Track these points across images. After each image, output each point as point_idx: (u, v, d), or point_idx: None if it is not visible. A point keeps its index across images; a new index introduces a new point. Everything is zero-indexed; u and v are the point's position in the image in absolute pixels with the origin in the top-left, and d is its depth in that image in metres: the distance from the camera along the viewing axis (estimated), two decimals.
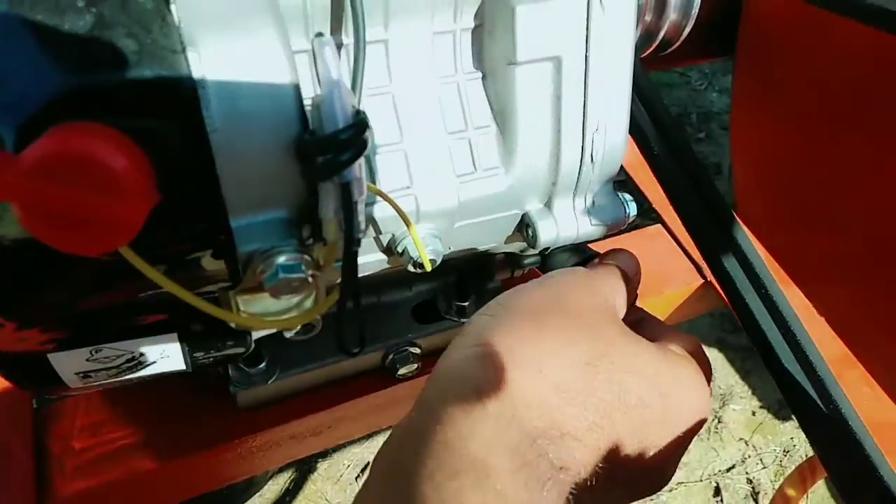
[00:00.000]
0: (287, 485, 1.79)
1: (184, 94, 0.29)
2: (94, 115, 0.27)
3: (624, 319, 0.45)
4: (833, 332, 0.75)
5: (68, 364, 0.41)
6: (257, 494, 1.73)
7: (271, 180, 0.31)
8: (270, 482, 1.77)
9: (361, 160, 0.30)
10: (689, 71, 2.71)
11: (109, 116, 0.27)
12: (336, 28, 0.43)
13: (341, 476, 1.81)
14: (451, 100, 0.49)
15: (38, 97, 0.28)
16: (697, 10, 0.65)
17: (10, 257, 0.32)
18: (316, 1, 0.41)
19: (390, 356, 0.65)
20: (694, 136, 2.54)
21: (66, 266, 0.33)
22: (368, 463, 1.81)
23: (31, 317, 0.37)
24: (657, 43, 0.65)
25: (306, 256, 0.32)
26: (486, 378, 0.33)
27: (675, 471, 0.41)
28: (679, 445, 0.38)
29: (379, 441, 1.89)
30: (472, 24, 0.47)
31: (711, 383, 0.45)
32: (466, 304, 0.67)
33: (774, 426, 1.87)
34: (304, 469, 1.83)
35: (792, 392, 0.56)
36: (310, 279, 0.32)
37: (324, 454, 1.83)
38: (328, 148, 0.30)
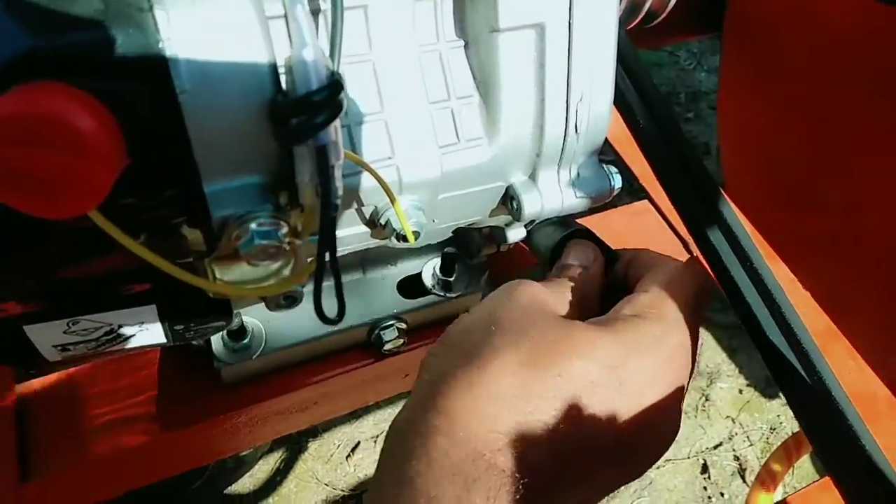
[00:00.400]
0: (277, 464, 1.80)
1: (151, 53, 0.28)
2: (57, 75, 0.26)
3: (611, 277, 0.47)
4: (818, 305, 0.76)
5: (45, 336, 0.41)
6: (248, 474, 1.74)
7: (245, 144, 0.31)
8: (261, 462, 1.77)
9: (337, 123, 0.30)
10: (677, 50, 2.70)
11: (74, 77, 0.26)
12: None
13: (332, 455, 1.81)
14: (433, 69, 0.48)
15: None
16: None
17: None
18: None
19: (376, 331, 0.65)
20: (683, 115, 2.53)
21: (39, 233, 0.33)
22: (359, 442, 1.82)
23: (6, 287, 0.37)
24: (642, 15, 0.65)
25: (283, 222, 0.31)
26: (431, 420, 0.34)
27: (671, 433, 0.41)
28: (657, 409, 0.38)
29: (368, 420, 1.89)
30: None
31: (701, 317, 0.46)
32: (452, 279, 0.67)
33: (761, 404, 1.89)
34: (294, 448, 1.83)
35: (777, 364, 0.56)
36: (286, 246, 0.32)
37: (314, 434, 1.83)
38: (302, 110, 0.29)
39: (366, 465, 1.82)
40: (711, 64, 2.72)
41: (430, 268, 0.67)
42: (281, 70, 0.32)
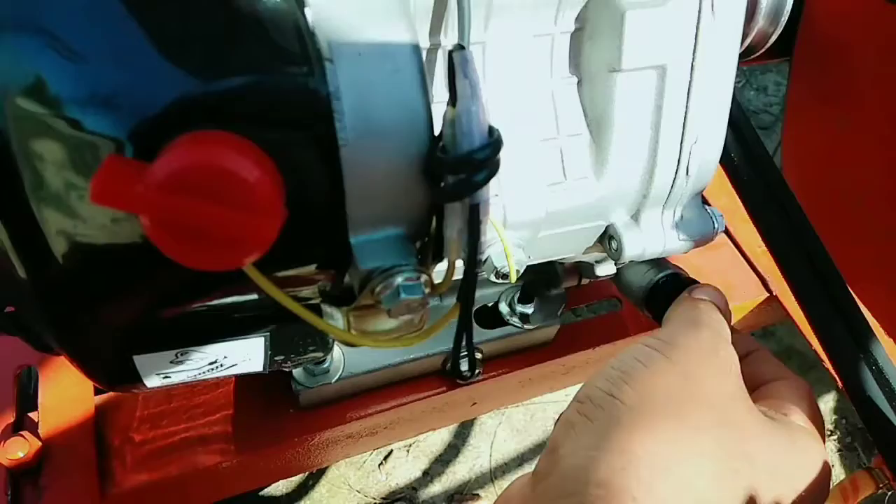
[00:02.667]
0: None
1: (318, 104, 0.27)
2: (221, 122, 0.26)
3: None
4: None
5: (152, 365, 0.40)
6: None
7: (394, 196, 0.30)
8: None
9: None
10: None
11: (239, 125, 0.26)
12: (436, 28, 0.41)
13: (364, 463, 1.81)
14: (544, 105, 0.47)
15: (158, 102, 0.27)
16: (786, 19, 0.63)
17: (105, 261, 0.31)
18: (418, 1, 0.39)
19: (451, 360, 0.64)
20: None
21: (163, 272, 0.32)
22: (391, 451, 1.81)
23: (120, 318, 0.36)
24: (742, 49, 0.63)
25: (424, 276, 0.30)
26: (627, 488, 0.30)
27: None
28: None
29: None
30: (572, 28, 0.45)
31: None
32: (530, 310, 0.65)
33: None
34: None
35: (876, 421, 0.55)
36: (427, 299, 0.31)
37: None
38: (462, 168, 0.28)
39: (398, 473, 1.82)
40: (760, 83, 2.68)
41: (507, 298, 0.66)
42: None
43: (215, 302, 0.35)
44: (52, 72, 0.27)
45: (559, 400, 1.69)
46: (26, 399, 0.60)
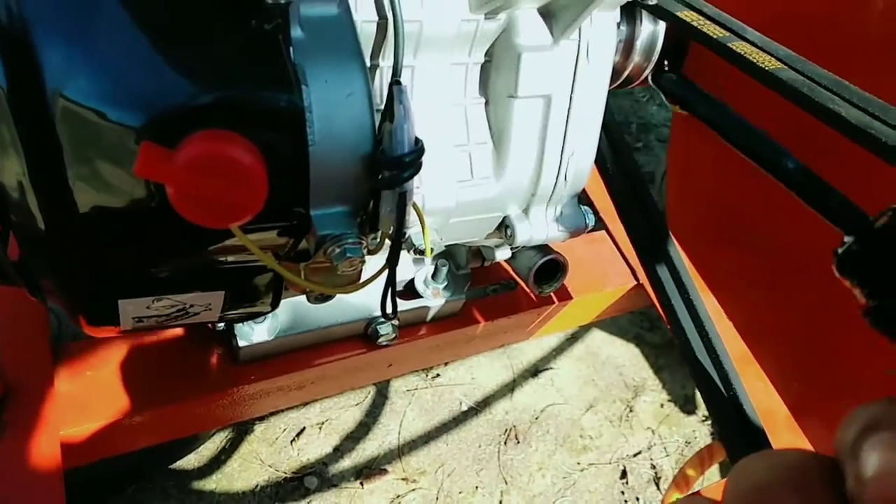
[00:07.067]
0: (223, 444, 1.84)
1: (296, 115, 0.38)
2: (227, 124, 0.36)
3: None
4: (738, 334, 0.90)
5: (132, 309, 0.49)
6: (194, 451, 1.78)
7: (346, 183, 0.41)
8: (207, 441, 1.81)
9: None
10: None
11: (239, 126, 0.36)
12: (376, 52, 0.53)
13: (277, 439, 1.87)
14: (458, 119, 0.59)
15: (178, 105, 0.37)
16: (658, 57, 0.78)
17: (118, 218, 0.41)
18: (363, 31, 0.50)
19: (373, 326, 0.75)
20: (632, 145, 2.70)
21: (164, 230, 0.42)
22: (304, 428, 1.88)
23: (120, 266, 0.45)
24: (621, 80, 0.77)
25: (364, 242, 0.42)
26: None
27: None
28: None
29: (315, 408, 1.94)
30: (482, 60, 0.58)
31: None
32: (441, 286, 0.78)
33: (680, 419, 2.06)
34: (240, 430, 1.88)
35: (702, 379, 0.70)
36: (364, 258, 0.42)
37: (261, 417, 1.89)
38: (395, 166, 0.40)
39: (309, 449, 1.89)
40: (664, 99, 2.91)
41: (422, 275, 0.78)
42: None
43: (198, 258, 0.44)
44: (95, 77, 0.36)
45: (465, 382, 1.82)
46: None
